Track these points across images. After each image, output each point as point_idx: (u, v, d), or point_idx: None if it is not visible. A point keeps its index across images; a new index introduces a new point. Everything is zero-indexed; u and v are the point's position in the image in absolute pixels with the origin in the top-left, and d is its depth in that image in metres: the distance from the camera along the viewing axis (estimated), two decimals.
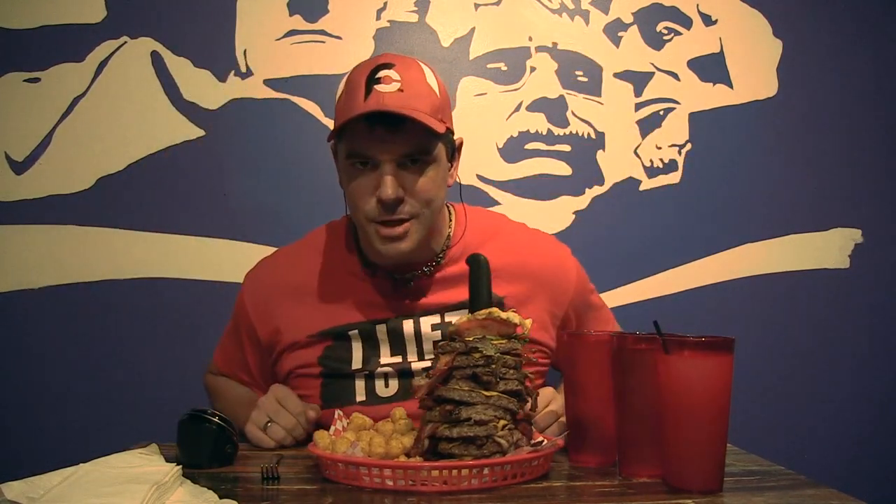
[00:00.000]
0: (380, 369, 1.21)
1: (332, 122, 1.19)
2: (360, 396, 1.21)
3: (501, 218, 1.39)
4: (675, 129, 2.01)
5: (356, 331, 1.23)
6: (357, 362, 1.22)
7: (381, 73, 1.09)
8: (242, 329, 1.32)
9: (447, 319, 1.22)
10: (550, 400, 1.17)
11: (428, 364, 1.18)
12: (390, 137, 1.08)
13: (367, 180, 1.12)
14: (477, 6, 1.96)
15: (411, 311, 1.23)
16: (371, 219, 1.14)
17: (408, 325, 1.22)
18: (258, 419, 1.16)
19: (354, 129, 1.09)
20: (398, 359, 1.21)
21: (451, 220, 1.29)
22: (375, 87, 1.07)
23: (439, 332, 1.22)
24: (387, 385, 1.21)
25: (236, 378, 1.37)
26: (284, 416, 1.15)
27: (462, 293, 1.14)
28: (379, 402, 1.20)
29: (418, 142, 1.10)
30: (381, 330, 1.22)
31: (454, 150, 1.21)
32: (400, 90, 1.08)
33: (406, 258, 1.18)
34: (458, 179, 1.25)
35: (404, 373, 1.21)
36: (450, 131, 1.17)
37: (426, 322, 1.23)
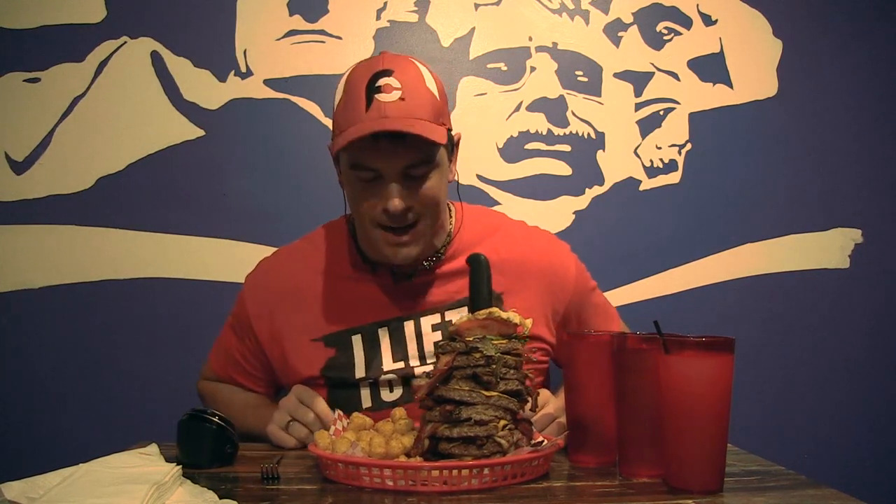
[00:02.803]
0: (383, 377, 1.21)
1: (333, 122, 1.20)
2: (367, 403, 1.22)
3: (501, 216, 1.40)
4: (675, 129, 2.01)
5: (358, 335, 1.23)
6: (360, 370, 1.22)
7: (381, 82, 1.08)
8: (243, 332, 1.32)
9: (447, 318, 1.23)
10: (546, 402, 1.16)
11: (430, 368, 1.18)
12: (394, 149, 1.08)
13: (373, 190, 1.13)
14: (477, 6, 1.96)
15: (412, 311, 1.24)
16: (378, 224, 1.15)
17: (409, 327, 1.23)
18: (280, 419, 1.16)
19: (359, 142, 1.09)
20: (400, 364, 1.22)
21: (451, 217, 1.30)
22: (376, 96, 1.07)
23: (440, 332, 1.23)
24: (391, 391, 1.22)
25: (234, 382, 1.36)
26: (305, 414, 1.14)
27: (461, 290, 1.19)
28: (385, 407, 1.21)
29: (421, 152, 1.10)
30: (383, 333, 1.23)
31: (453, 147, 1.22)
32: (401, 98, 1.08)
33: (410, 262, 1.20)
34: (456, 176, 1.25)
35: (407, 379, 1.22)
36: (449, 131, 1.17)
37: (426, 322, 1.23)
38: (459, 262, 1.23)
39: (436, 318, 1.23)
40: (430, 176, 1.13)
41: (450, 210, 1.31)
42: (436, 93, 1.14)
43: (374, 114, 1.07)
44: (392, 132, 1.06)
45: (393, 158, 1.09)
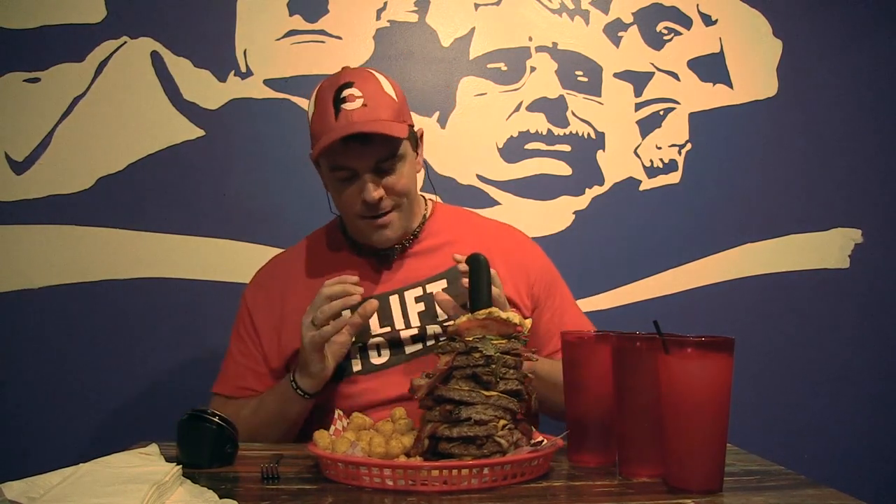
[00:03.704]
0: (372, 340, 1.32)
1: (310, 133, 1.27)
2: (357, 367, 1.32)
3: (470, 210, 1.57)
4: (675, 129, 2.01)
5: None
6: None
7: (345, 93, 1.25)
8: (246, 331, 1.39)
9: (428, 291, 1.34)
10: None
11: (415, 332, 1.31)
12: (363, 150, 1.24)
13: (351, 187, 1.28)
14: (477, 6, 1.96)
15: (396, 286, 1.36)
16: (360, 215, 1.30)
17: (394, 300, 1.35)
18: (305, 318, 1.21)
19: (333, 147, 1.24)
20: (387, 328, 1.33)
21: (425, 205, 1.45)
22: (342, 106, 1.24)
23: (422, 303, 1.34)
24: (379, 354, 1.32)
25: (247, 391, 1.37)
26: (324, 303, 1.18)
27: (438, 266, 1.35)
28: (374, 370, 1.31)
29: (387, 148, 1.26)
30: None
31: (417, 141, 1.37)
32: (364, 105, 1.24)
33: (392, 244, 1.35)
34: (421, 167, 1.39)
35: (394, 342, 1.32)
36: (410, 127, 1.32)
37: (410, 295, 1.35)
38: (435, 240, 1.39)
39: (418, 291, 1.35)
40: (399, 167, 1.28)
41: (424, 200, 1.46)
42: (394, 96, 1.29)
43: (343, 122, 1.23)
44: (358, 134, 1.22)
45: (363, 156, 1.24)
